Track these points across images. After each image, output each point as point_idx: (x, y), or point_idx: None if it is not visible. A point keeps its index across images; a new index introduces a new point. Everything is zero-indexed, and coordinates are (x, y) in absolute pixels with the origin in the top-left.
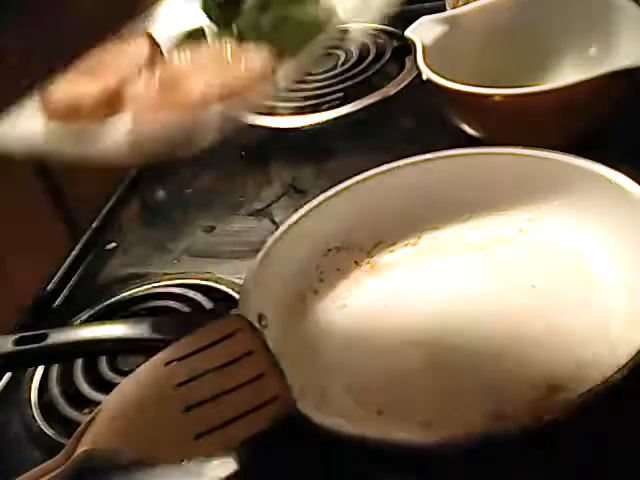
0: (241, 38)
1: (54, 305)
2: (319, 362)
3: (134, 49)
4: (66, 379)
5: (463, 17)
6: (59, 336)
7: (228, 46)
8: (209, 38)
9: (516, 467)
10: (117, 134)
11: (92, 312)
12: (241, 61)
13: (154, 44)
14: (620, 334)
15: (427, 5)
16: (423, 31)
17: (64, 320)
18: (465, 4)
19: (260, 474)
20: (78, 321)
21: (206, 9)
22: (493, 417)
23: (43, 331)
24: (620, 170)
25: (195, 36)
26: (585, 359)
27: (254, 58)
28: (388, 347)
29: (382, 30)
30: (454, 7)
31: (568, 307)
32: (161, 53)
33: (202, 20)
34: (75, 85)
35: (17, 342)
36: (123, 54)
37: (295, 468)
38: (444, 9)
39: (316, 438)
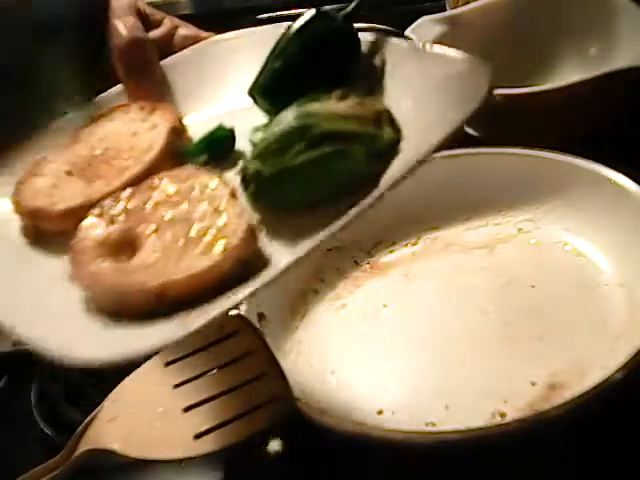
0: (245, 183)
1: None
2: (319, 362)
3: (151, 132)
4: (66, 379)
5: (463, 17)
6: None
7: (210, 202)
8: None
9: (516, 467)
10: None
11: None
12: (215, 232)
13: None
14: (620, 334)
15: (427, 5)
16: (423, 31)
17: None
18: (465, 4)
19: (259, 474)
20: None
21: (252, 92)
22: (493, 417)
23: None
24: (620, 170)
25: (212, 144)
26: (585, 359)
27: (234, 230)
28: (388, 347)
29: (382, 30)
30: (454, 7)
31: (568, 307)
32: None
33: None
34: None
35: (17, 342)
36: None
37: (295, 468)
38: (444, 9)
39: (316, 438)
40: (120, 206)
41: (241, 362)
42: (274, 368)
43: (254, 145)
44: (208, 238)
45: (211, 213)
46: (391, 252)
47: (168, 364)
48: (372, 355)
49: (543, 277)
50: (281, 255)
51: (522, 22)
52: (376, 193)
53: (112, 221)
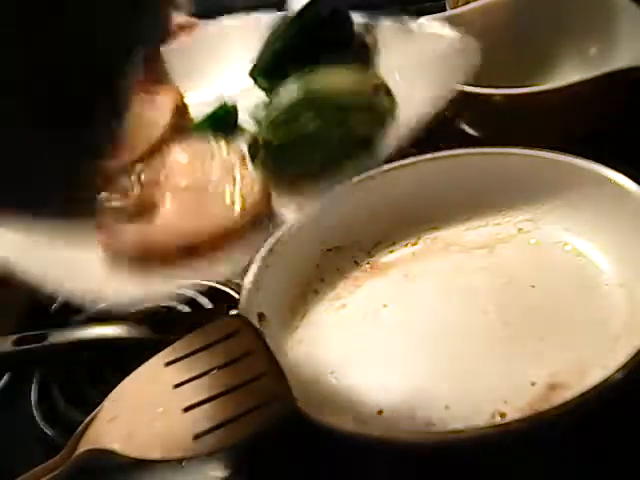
0: (254, 152)
1: (54, 305)
2: (319, 362)
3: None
4: (66, 379)
5: (463, 17)
6: (59, 336)
7: (223, 167)
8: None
9: (516, 467)
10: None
11: (92, 312)
12: (227, 195)
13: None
14: (620, 334)
15: (427, 5)
16: None
17: (64, 320)
18: (465, 4)
19: (259, 474)
20: (78, 321)
21: (253, 74)
22: (493, 416)
23: (43, 331)
24: (620, 170)
25: (216, 122)
26: (585, 359)
27: (249, 191)
28: (388, 347)
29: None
30: (454, 7)
31: (568, 307)
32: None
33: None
34: None
35: (17, 342)
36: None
37: (295, 468)
38: (444, 9)
39: (316, 438)
40: (134, 178)
41: (241, 362)
42: (274, 368)
43: (257, 121)
44: (226, 197)
45: (225, 177)
46: (391, 252)
47: (168, 364)
48: (372, 355)
49: (543, 277)
50: (290, 214)
51: (522, 22)
52: (377, 158)
53: (128, 193)
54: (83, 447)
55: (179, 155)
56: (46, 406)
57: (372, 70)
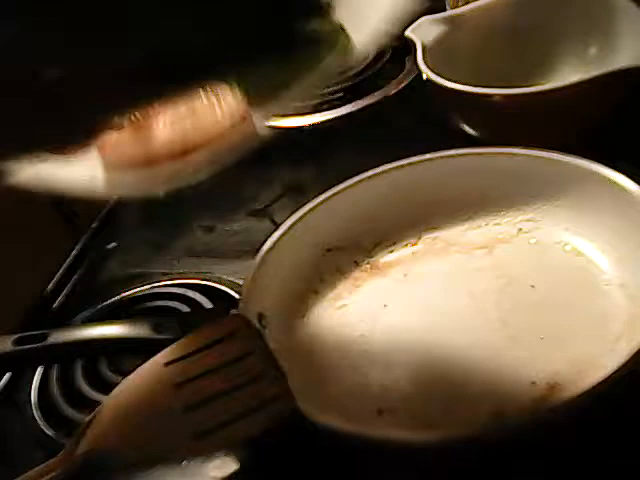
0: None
1: (54, 305)
2: (319, 362)
3: None
4: (66, 379)
5: (463, 17)
6: (59, 336)
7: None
8: None
9: (516, 467)
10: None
11: (92, 312)
12: (216, 108)
13: None
14: (620, 334)
15: (427, 5)
16: (423, 31)
17: (64, 320)
18: (465, 4)
19: (260, 474)
20: (78, 321)
21: None
22: (493, 416)
23: (43, 331)
24: (620, 170)
25: None
26: (585, 359)
27: (230, 103)
28: (388, 347)
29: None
30: (454, 7)
31: (568, 307)
32: None
33: None
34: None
35: (17, 342)
36: None
37: (295, 468)
38: (444, 9)
39: (316, 438)
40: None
41: (241, 362)
42: (274, 368)
43: None
44: (210, 110)
45: (207, 99)
46: (391, 252)
47: (168, 364)
48: (372, 355)
49: (543, 277)
50: (260, 122)
51: (522, 22)
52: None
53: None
54: (83, 447)
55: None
56: (46, 406)
57: (330, 16)
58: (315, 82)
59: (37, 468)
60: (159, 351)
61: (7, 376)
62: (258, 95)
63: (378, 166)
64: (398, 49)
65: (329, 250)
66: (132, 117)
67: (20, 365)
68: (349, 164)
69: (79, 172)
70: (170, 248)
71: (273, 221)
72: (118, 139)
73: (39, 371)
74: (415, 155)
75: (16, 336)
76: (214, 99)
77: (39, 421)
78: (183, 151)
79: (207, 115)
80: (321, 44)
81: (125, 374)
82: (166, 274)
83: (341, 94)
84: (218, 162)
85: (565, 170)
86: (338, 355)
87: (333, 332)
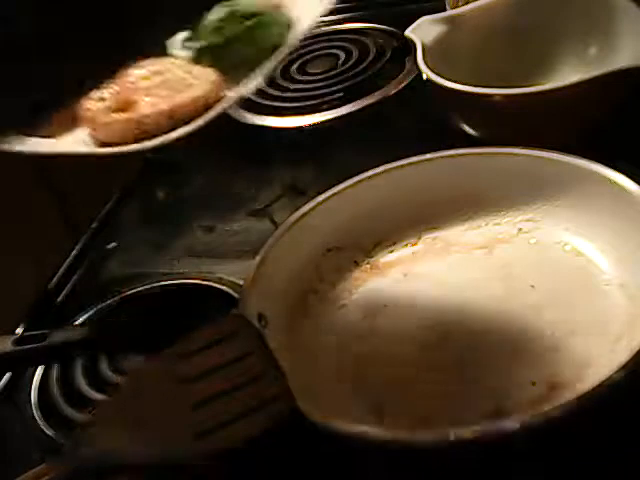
0: (198, 59)
1: (54, 305)
2: (319, 362)
3: None
4: (66, 379)
5: (463, 17)
6: (59, 336)
7: (178, 69)
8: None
9: (516, 467)
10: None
11: (92, 312)
12: (190, 84)
13: None
14: (620, 334)
15: (427, 5)
16: (423, 31)
17: (64, 320)
18: (465, 4)
19: (260, 474)
20: (78, 321)
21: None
22: (493, 416)
23: (43, 331)
24: (620, 170)
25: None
26: (585, 359)
27: (203, 81)
28: (388, 347)
29: (382, 30)
30: (454, 7)
31: (568, 307)
32: None
33: None
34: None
35: (17, 342)
36: None
37: (295, 468)
38: (444, 9)
39: (316, 438)
40: (109, 89)
41: (241, 362)
42: (274, 368)
43: (195, 34)
44: (187, 82)
45: (184, 77)
46: (391, 252)
47: (168, 364)
48: (372, 355)
49: (543, 277)
50: (230, 92)
51: (522, 22)
52: (286, 50)
53: (106, 98)
54: (83, 447)
55: (145, 67)
56: (46, 406)
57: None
58: (255, 56)
59: (37, 468)
60: (159, 351)
61: (7, 376)
62: (224, 66)
63: (378, 166)
64: (398, 49)
65: (329, 250)
66: (110, 88)
67: (20, 365)
68: (349, 164)
69: (67, 148)
70: (170, 248)
71: (273, 221)
72: (107, 118)
73: (39, 371)
74: (415, 155)
75: (16, 336)
76: (187, 69)
77: (39, 421)
78: (169, 125)
79: (183, 85)
80: (260, 20)
81: (125, 374)
82: (166, 274)
83: (341, 94)
84: (195, 127)
85: (565, 170)
86: (338, 355)
87: (333, 332)
